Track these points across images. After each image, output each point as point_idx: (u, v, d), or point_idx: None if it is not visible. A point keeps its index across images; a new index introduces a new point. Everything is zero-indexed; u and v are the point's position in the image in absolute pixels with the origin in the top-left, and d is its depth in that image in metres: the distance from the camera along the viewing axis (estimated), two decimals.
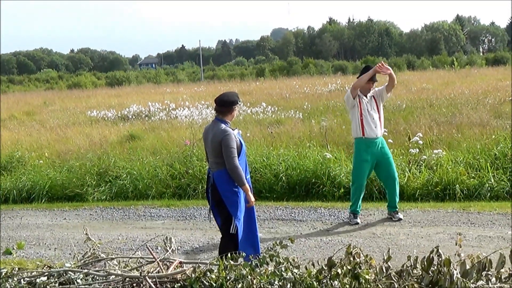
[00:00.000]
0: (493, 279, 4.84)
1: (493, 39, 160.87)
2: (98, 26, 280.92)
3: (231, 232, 8.12)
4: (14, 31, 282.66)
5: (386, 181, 11.41)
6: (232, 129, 8.18)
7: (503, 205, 11.76)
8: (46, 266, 6.02)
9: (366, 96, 11.11)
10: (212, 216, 8.50)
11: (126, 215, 13.13)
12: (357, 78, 11.25)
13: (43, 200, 15.03)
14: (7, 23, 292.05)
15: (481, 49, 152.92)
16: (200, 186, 14.17)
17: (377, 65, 11.10)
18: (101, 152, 17.08)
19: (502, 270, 4.89)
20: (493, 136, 14.83)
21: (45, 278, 5.40)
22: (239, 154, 8.07)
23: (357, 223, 11.18)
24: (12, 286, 5.19)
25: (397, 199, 11.43)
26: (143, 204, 13.83)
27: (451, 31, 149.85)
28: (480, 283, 4.79)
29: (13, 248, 10.85)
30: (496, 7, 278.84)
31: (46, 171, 15.95)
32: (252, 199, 8.26)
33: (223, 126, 8.10)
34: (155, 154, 16.66)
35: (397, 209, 11.39)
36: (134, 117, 28.68)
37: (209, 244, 10.43)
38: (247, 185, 8.11)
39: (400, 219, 11.25)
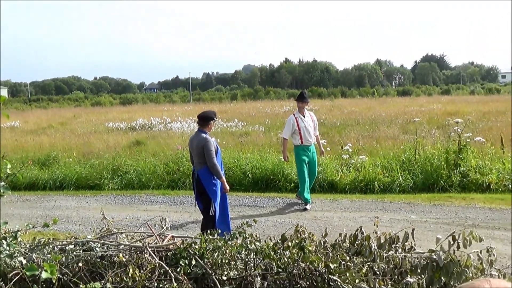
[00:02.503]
0: (400, 250, 4.89)
1: (402, 77, 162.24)
2: (114, 59, 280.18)
3: (210, 214, 8.34)
4: (53, 60, 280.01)
5: (309, 175, 11.49)
6: (211, 137, 8.37)
7: (407, 196, 11.97)
8: (73, 238, 5.95)
9: (304, 116, 11.35)
10: (196, 202, 8.59)
11: (132, 200, 13.03)
12: (295, 99, 11.73)
13: (71, 188, 14.88)
14: (50, 53, 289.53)
15: (393, 84, 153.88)
16: (187, 180, 14.09)
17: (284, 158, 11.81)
18: (115, 153, 16.95)
19: (406, 243, 4.94)
20: (402, 147, 14.97)
21: (72, 246, 5.34)
22: (216, 156, 8.31)
23: (306, 209, 11.21)
24: (48, 252, 5.13)
25: (309, 192, 11.52)
26: (145, 193, 13.75)
27: (373, 70, 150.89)
28: (390, 253, 4.83)
29: (50, 223, 10.71)
30: (404, 53, 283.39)
31: (74, 167, 15.79)
32: (227, 187, 8.54)
33: (204, 135, 8.39)
34: (154, 155, 16.57)
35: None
36: (140, 128, 28.50)
37: (194, 223, 10.37)
38: (223, 177, 8.43)
39: (305, 209, 11.24)
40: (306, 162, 11.31)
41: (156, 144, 19.59)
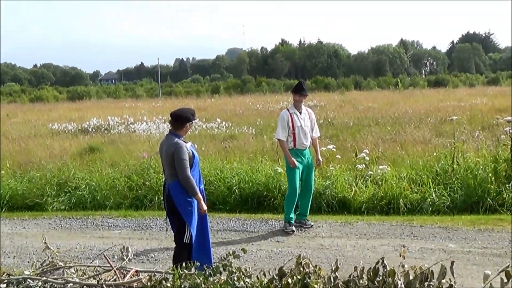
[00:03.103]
0: None
1: (434, 62, 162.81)
2: (60, 41, 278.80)
3: (184, 241, 8.20)
4: None
5: (303, 189, 11.63)
6: (185, 142, 8.23)
7: (444, 219, 11.88)
8: (5, 274, 5.90)
9: (300, 113, 11.46)
10: (169, 224, 8.49)
11: (84, 224, 12.97)
12: (291, 91, 11.90)
13: (3, 209, 14.79)
14: None
15: (423, 72, 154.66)
16: (156, 198, 14.09)
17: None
18: (61, 164, 16.89)
19: (443, 280, 4.91)
20: (435, 154, 14.96)
21: (4, 285, 5.30)
22: (191, 166, 8.16)
23: (293, 231, 11.35)
24: None
25: (308, 208, 11.73)
26: (101, 214, 13.69)
27: (396, 54, 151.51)
28: None
29: None
30: (437, 32, 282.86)
31: (7, 182, 15.71)
32: (205, 207, 8.34)
33: (175, 139, 8.19)
34: (113, 166, 16.55)
35: (307, 217, 11.76)
36: (94, 130, 28.50)
37: (165, 254, 10.32)
38: (199, 195, 8.20)
39: (311, 225, 11.60)
40: (300, 169, 11.39)
41: (115, 151, 19.57)
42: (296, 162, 11.23)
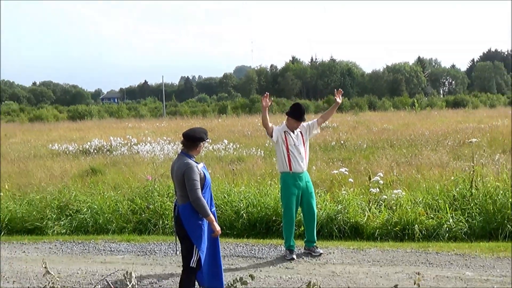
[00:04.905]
0: None
1: (453, 82, 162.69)
2: (60, 59, 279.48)
3: (191, 265, 8.24)
4: None
5: (306, 216, 11.67)
6: (197, 163, 8.34)
7: (461, 245, 11.87)
8: None
9: (293, 132, 11.42)
10: (178, 248, 8.56)
11: (85, 249, 13.02)
12: (287, 114, 11.63)
13: (2, 233, 14.87)
14: None
15: (441, 91, 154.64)
16: (160, 222, 14.17)
17: (336, 93, 12.09)
18: (62, 186, 16.96)
19: None
20: (452, 178, 14.94)
21: None
22: (203, 187, 8.23)
23: (293, 259, 11.36)
24: None
25: (315, 234, 11.75)
26: (103, 239, 13.74)
27: (412, 73, 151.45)
28: None
29: None
30: (457, 50, 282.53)
31: (6, 204, 15.81)
32: (218, 228, 8.41)
33: (186, 159, 8.31)
34: (116, 188, 16.62)
35: (315, 244, 11.75)
36: (95, 151, 28.61)
37: (169, 280, 10.37)
38: (211, 216, 8.26)
39: (320, 254, 11.59)
40: (298, 196, 11.42)
41: (117, 173, 19.67)
42: (290, 190, 11.29)
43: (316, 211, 11.80)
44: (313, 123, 11.81)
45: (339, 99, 12.05)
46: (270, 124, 11.35)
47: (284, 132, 11.38)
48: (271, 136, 11.35)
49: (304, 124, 11.70)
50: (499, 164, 16.16)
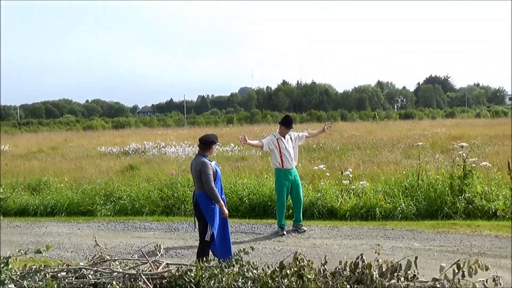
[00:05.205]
0: (402, 279, 4.91)
1: (404, 99, 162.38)
2: (106, 81, 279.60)
3: (206, 239, 8.45)
4: (42, 83, 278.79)
5: (294, 201, 11.72)
6: (210, 161, 8.55)
7: (410, 223, 11.89)
8: (65, 264, 5.96)
9: (284, 138, 11.48)
10: (196, 225, 8.71)
11: (125, 227, 13.01)
12: (279, 123, 11.62)
13: (62, 214, 14.89)
14: (35, 76, 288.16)
15: (395, 107, 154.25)
16: (183, 206, 14.16)
17: (326, 127, 12.12)
18: (107, 179, 16.98)
19: (409, 272, 4.96)
20: (404, 172, 14.94)
21: (64, 273, 5.36)
22: (215, 179, 8.43)
23: (284, 234, 11.42)
24: (39, 279, 5.15)
25: (301, 215, 11.78)
26: (139, 219, 13.74)
27: (374, 92, 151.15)
28: (392, 281, 4.85)
29: (42, 249, 10.70)
30: (407, 75, 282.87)
31: (66, 192, 15.84)
32: (226, 211, 8.64)
33: (202, 158, 8.53)
34: (148, 181, 16.60)
35: (301, 223, 11.78)
36: (133, 152, 28.55)
37: (189, 250, 10.36)
38: (221, 202, 8.48)
39: (304, 230, 11.62)
40: (288, 186, 11.46)
41: (149, 169, 19.64)
42: (282, 182, 11.39)
43: (302, 197, 11.81)
44: (302, 135, 11.98)
45: (326, 130, 12.15)
46: (259, 143, 11.53)
47: (277, 139, 11.41)
48: (263, 149, 11.47)
49: (295, 133, 11.82)
50: (439, 161, 16.14)
